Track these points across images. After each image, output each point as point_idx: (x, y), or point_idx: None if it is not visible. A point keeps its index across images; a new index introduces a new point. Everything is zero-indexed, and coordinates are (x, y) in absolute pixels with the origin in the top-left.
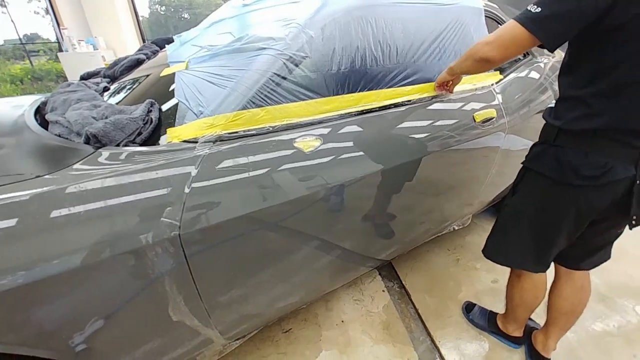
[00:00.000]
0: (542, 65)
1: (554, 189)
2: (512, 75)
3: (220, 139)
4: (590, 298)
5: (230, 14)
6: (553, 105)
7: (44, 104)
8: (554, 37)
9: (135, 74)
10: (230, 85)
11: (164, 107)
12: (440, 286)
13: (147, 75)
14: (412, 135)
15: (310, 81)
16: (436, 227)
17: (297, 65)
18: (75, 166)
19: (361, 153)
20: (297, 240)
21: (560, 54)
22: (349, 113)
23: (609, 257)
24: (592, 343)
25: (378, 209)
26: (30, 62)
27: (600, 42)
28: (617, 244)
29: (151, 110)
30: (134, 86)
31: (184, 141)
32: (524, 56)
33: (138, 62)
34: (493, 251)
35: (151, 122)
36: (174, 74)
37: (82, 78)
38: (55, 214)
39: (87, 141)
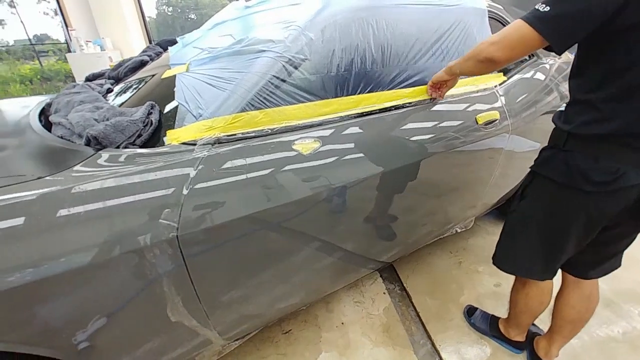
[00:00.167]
0: (547, 66)
1: (563, 194)
2: (516, 77)
3: (218, 142)
4: None
5: (232, 15)
6: (563, 108)
7: (49, 105)
8: (562, 38)
9: (138, 75)
10: (230, 87)
11: (165, 109)
12: (442, 289)
13: (149, 77)
14: (413, 137)
15: (310, 83)
16: (438, 230)
17: (296, 68)
18: (75, 168)
19: (361, 155)
20: (296, 242)
21: (567, 55)
22: (348, 115)
23: (619, 265)
24: (596, 349)
25: (378, 212)
26: (40, 62)
27: (612, 43)
28: (626, 250)
29: (151, 113)
30: (136, 88)
31: (183, 143)
32: (529, 57)
33: (142, 64)
34: (501, 257)
35: (151, 124)
36: (175, 76)
37: (87, 79)
38: (54, 215)
39: (88, 143)
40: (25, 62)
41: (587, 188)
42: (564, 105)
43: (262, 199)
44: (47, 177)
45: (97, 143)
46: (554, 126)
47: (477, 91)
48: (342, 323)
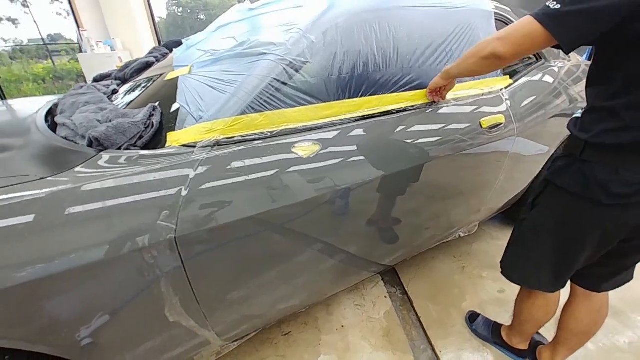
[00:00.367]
0: (556, 69)
1: (579, 205)
2: (523, 80)
3: (218, 144)
4: None
5: (235, 18)
6: (579, 115)
7: (57, 105)
8: (571, 36)
9: (142, 77)
10: (230, 90)
11: (166, 111)
12: (444, 294)
13: (154, 79)
14: (415, 141)
15: (311, 86)
16: (441, 234)
17: (297, 71)
18: (77, 169)
19: (363, 158)
20: (296, 245)
21: (577, 58)
22: (350, 118)
23: (631, 278)
24: (601, 359)
25: (379, 215)
26: (53, 61)
27: (634, 49)
28: None
29: (153, 115)
30: (140, 89)
31: (183, 145)
32: (537, 60)
33: (147, 65)
34: (510, 266)
35: (152, 126)
36: (177, 78)
37: (95, 80)
38: (55, 215)
39: (90, 144)
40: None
41: (606, 200)
42: (580, 111)
43: (261, 201)
44: (49, 178)
45: (98, 144)
46: (562, 129)
47: (482, 94)
48: (342, 326)
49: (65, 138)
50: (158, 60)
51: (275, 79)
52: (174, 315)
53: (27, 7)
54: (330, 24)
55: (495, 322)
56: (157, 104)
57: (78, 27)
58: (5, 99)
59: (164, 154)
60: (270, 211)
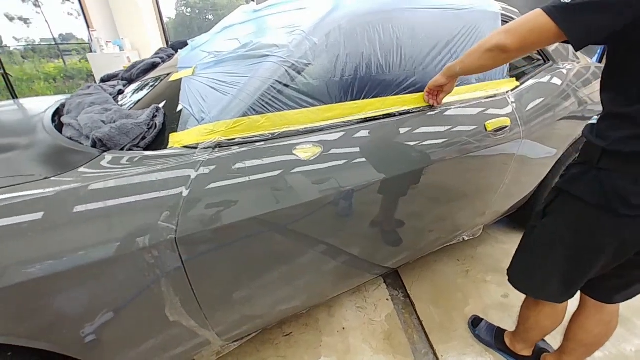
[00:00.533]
0: (564, 71)
1: (594, 215)
2: (530, 82)
3: (219, 145)
4: None
5: (240, 19)
6: (594, 121)
7: (64, 105)
8: (581, 32)
9: (148, 78)
10: (232, 92)
11: (170, 112)
12: (447, 298)
13: (158, 80)
14: (419, 143)
15: (313, 88)
16: (445, 237)
17: (299, 73)
18: (80, 169)
19: (365, 161)
20: (296, 246)
21: (586, 60)
22: (352, 120)
23: None
24: None
25: (382, 218)
26: (64, 61)
27: None
28: None
29: (156, 116)
30: (145, 90)
31: (185, 147)
32: (545, 62)
33: (153, 66)
34: (517, 273)
35: (155, 127)
36: (181, 79)
37: (102, 80)
38: (57, 215)
39: (94, 145)
40: (51, 61)
41: (624, 211)
42: (596, 117)
43: (262, 202)
44: (53, 177)
45: (102, 145)
46: (570, 132)
47: (487, 97)
48: (343, 328)
49: (71, 138)
50: (164, 61)
51: (277, 80)
52: (174, 315)
53: (39, 6)
54: (333, 25)
55: (499, 328)
56: (160, 105)
57: (88, 27)
58: (17, 97)
59: (166, 155)
60: (271, 212)
